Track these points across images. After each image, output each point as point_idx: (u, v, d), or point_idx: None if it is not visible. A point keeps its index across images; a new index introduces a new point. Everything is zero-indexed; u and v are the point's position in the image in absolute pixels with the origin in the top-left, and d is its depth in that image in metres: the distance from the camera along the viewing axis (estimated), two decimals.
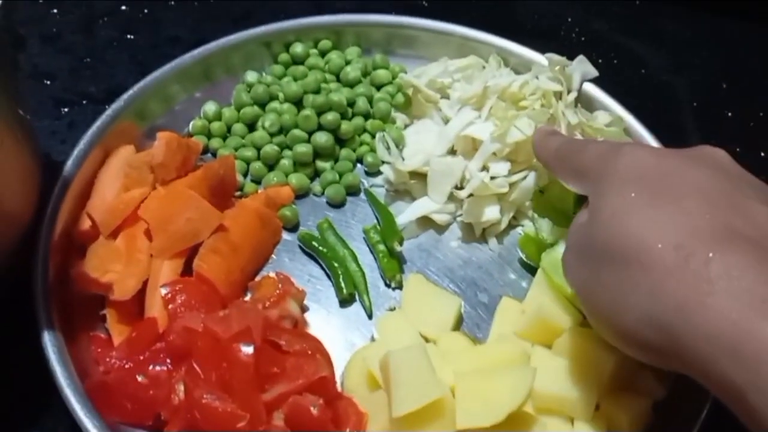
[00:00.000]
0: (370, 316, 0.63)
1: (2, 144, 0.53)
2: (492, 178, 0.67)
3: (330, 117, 0.69)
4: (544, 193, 0.66)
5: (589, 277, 0.47)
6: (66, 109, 0.74)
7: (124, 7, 0.82)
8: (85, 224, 0.61)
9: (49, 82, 0.75)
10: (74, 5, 0.81)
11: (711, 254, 0.40)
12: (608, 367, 0.54)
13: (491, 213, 0.67)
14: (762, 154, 0.78)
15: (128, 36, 0.80)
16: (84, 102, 0.74)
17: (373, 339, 0.61)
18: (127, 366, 0.55)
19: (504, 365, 0.54)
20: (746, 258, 0.39)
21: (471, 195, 0.67)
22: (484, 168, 0.68)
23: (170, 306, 0.58)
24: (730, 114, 0.81)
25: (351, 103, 0.72)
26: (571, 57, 0.71)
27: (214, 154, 0.71)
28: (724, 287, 0.38)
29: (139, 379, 0.55)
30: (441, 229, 0.68)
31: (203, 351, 0.54)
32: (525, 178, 0.67)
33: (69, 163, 0.63)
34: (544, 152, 0.59)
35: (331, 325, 0.62)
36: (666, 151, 0.50)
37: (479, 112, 0.69)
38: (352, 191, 0.70)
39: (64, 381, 0.53)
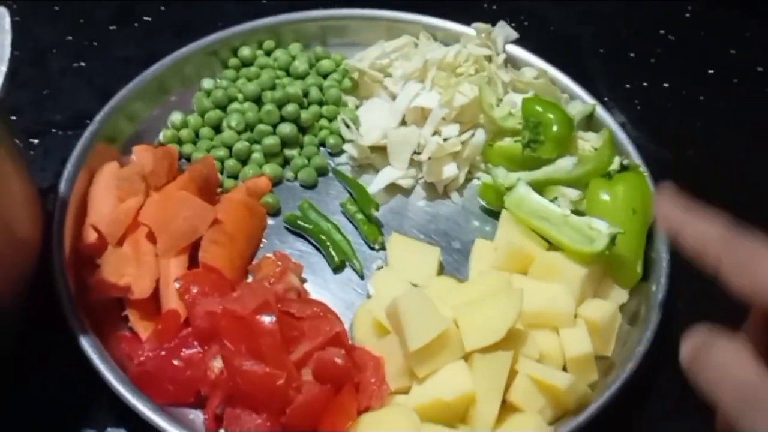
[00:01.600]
0: (362, 277, 0.70)
1: (9, 177, 0.58)
2: (445, 139, 0.75)
3: (290, 108, 0.76)
4: (493, 145, 0.74)
5: None
6: (36, 140, 0.78)
7: (69, 38, 0.86)
8: (90, 237, 0.66)
9: (15, 117, 0.79)
10: (20, 41, 0.84)
11: None
12: (579, 280, 0.63)
13: (449, 170, 0.75)
14: (665, 84, 0.88)
15: (80, 63, 0.84)
16: (53, 130, 0.79)
17: (368, 296, 0.69)
18: (162, 354, 0.61)
19: (493, 293, 0.62)
20: None
21: (429, 158, 0.74)
22: (436, 132, 0.76)
23: (186, 296, 0.63)
24: (632, 55, 0.91)
25: (305, 94, 0.79)
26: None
27: (188, 159, 0.76)
28: None
29: (175, 363, 0.60)
30: (407, 192, 0.76)
31: (229, 328, 0.60)
32: (473, 135, 0.76)
33: (62, 186, 0.68)
34: (694, 240, 0.42)
35: (329, 291, 0.69)
36: None
37: (422, 84, 0.77)
38: (322, 172, 0.77)
39: (110, 375, 0.58)
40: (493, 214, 0.74)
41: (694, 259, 0.42)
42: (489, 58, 0.79)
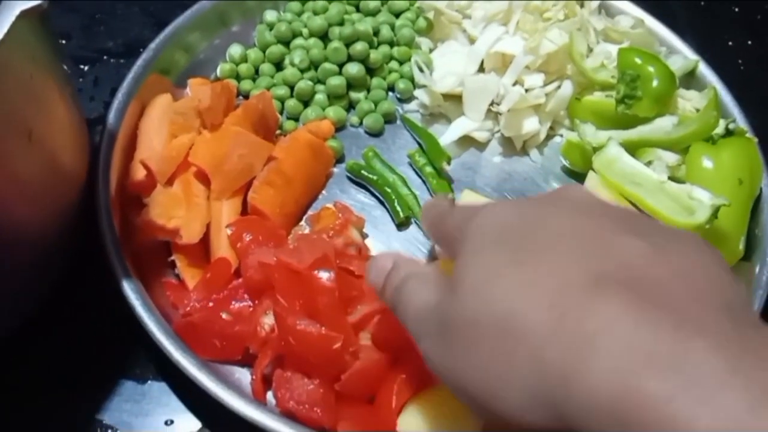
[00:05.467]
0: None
1: (55, 102, 0.53)
2: (527, 90, 0.68)
3: (359, 47, 0.69)
4: (580, 99, 0.67)
5: (458, 361, 0.39)
6: (86, 67, 0.73)
7: None
8: (139, 174, 0.61)
9: (64, 42, 0.74)
10: None
11: (586, 309, 0.34)
12: None
13: (530, 125, 0.68)
14: None
15: None
16: (104, 57, 0.74)
17: (433, 257, 0.63)
18: (209, 305, 0.56)
19: None
20: (622, 307, 0.33)
21: (508, 110, 0.68)
22: (518, 82, 0.69)
23: (238, 244, 0.58)
24: (736, 9, 0.83)
25: (375, 32, 0.72)
26: None
27: (246, 96, 0.70)
28: (604, 346, 0.32)
29: (224, 316, 0.55)
30: (481, 146, 0.70)
31: (283, 283, 0.54)
32: (559, 87, 0.68)
33: (111, 117, 0.62)
34: (425, 222, 0.52)
35: (392, 248, 0.63)
36: (526, 201, 0.44)
37: (505, 27, 0.70)
38: (389, 119, 0.70)
39: (153, 325, 0.53)
40: (575, 175, 0.67)
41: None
42: (581, 3, 0.71)
